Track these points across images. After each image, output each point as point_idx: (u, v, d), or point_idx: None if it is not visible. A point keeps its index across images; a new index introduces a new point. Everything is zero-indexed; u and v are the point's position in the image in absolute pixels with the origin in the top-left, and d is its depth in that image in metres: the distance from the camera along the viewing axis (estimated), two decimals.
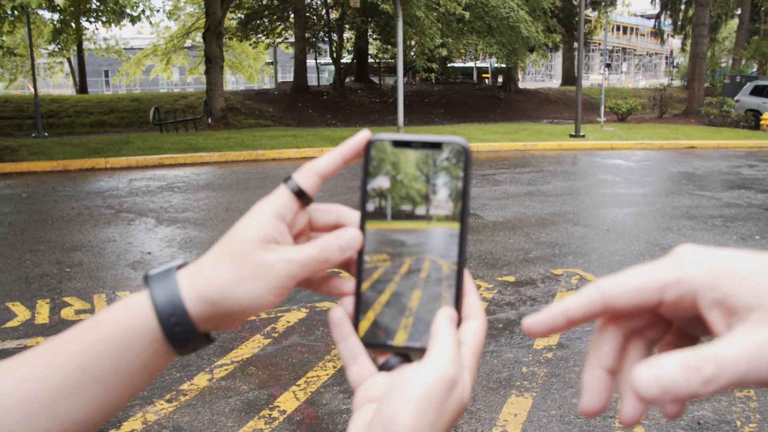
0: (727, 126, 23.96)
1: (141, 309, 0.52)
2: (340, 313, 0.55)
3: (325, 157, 0.56)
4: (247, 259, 0.52)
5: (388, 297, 0.54)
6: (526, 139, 18.06)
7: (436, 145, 0.54)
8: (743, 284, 0.40)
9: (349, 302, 0.55)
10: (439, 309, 0.53)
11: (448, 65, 38.73)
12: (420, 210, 0.54)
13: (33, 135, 18.20)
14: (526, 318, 0.44)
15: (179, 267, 0.55)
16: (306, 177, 0.55)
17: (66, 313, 5.10)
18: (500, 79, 36.37)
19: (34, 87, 18.28)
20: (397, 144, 0.54)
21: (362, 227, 0.55)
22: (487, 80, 36.72)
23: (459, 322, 0.53)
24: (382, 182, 0.54)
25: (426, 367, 0.48)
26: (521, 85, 40.05)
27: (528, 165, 14.04)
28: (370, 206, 0.55)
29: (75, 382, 0.50)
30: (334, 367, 4.20)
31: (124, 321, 0.52)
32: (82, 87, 34.03)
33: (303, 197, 0.55)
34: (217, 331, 0.56)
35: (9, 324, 4.88)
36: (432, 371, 0.47)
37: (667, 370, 0.37)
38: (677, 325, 0.46)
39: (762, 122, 22.66)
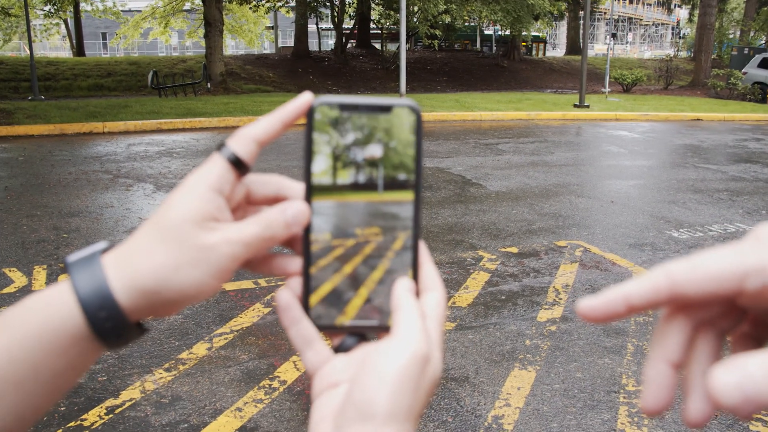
0: (734, 99, 23.70)
1: (62, 303, 0.46)
2: (287, 296, 0.50)
3: (263, 122, 0.51)
4: (185, 241, 0.46)
5: (339, 274, 0.50)
6: (530, 108, 17.89)
7: (386, 109, 0.50)
8: None
9: (296, 283, 0.51)
10: (395, 281, 0.50)
11: (486, 33, 38.65)
12: (370, 179, 0.50)
13: (29, 98, 18.00)
14: (582, 300, 0.39)
15: (104, 251, 0.48)
16: (243, 144, 0.49)
17: (63, 279, 5.03)
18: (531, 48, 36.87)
19: (30, 49, 17.99)
20: (344, 107, 0.50)
21: (308, 200, 0.50)
22: (524, 48, 37.07)
23: (417, 294, 0.50)
24: (327, 150, 0.50)
25: (396, 345, 0.45)
26: (549, 53, 39.93)
27: (531, 135, 13.91)
28: (315, 177, 0.50)
29: None
30: None
31: (42, 318, 0.46)
32: (79, 50, 33.66)
33: (240, 167, 0.49)
34: (153, 318, 0.49)
35: (5, 290, 4.83)
36: (404, 349, 0.44)
37: (750, 374, 0.32)
38: (754, 313, 0.40)
39: None
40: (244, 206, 0.53)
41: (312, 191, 0.50)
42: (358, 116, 0.50)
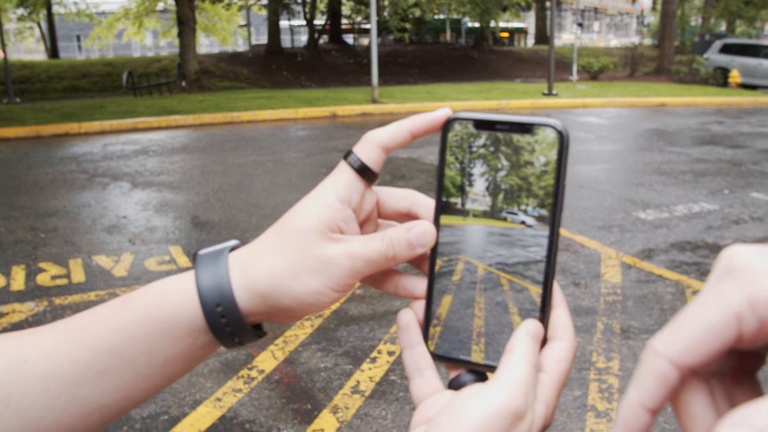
0: (697, 83, 24.12)
1: (183, 293, 0.47)
2: (409, 317, 0.48)
3: (391, 128, 0.48)
4: (307, 249, 0.46)
5: (462, 304, 0.47)
6: (500, 97, 18.06)
7: (527, 127, 0.46)
8: None
9: (420, 307, 0.49)
10: (521, 322, 0.45)
11: (469, 26, 38.95)
12: (505, 206, 0.47)
13: (4, 101, 17.80)
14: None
15: (232, 249, 0.49)
16: (369, 150, 0.48)
17: (42, 279, 5.09)
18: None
19: (4, 52, 17.81)
20: (480, 124, 0.47)
21: (437, 221, 0.48)
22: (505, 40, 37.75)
23: (544, 341, 0.45)
24: (461, 170, 0.47)
25: (488, 392, 0.40)
26: (530, 43, 40.54)
27: None
28: (448, 198, 0.48)
29: (102, 364, 0.45)
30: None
31: (162, 305, 0.46)
32: (53, 52, 33.29)
33: (367, 174, 0.48)
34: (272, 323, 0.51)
35: None
36: (494, 398, 0.39)
37: (759, 429, 0.28)
38: (744, 347, 0.35)
39: (730, 79, 22.88)
40: (374, 218, 0.51)
41: (442, 212, 0.48)
42: (495, 135, 0.46)
